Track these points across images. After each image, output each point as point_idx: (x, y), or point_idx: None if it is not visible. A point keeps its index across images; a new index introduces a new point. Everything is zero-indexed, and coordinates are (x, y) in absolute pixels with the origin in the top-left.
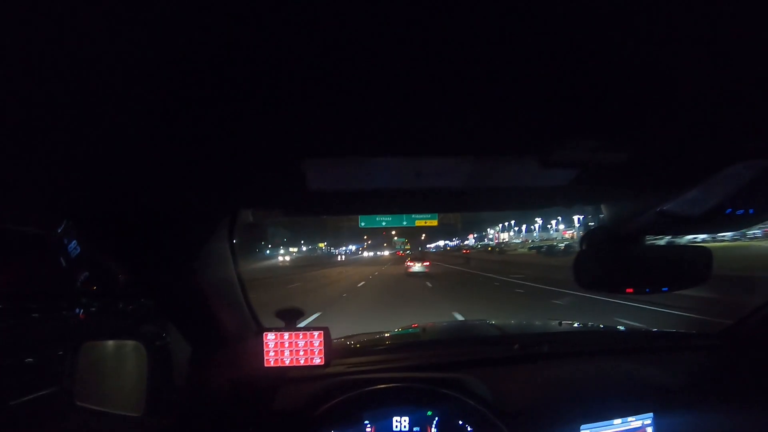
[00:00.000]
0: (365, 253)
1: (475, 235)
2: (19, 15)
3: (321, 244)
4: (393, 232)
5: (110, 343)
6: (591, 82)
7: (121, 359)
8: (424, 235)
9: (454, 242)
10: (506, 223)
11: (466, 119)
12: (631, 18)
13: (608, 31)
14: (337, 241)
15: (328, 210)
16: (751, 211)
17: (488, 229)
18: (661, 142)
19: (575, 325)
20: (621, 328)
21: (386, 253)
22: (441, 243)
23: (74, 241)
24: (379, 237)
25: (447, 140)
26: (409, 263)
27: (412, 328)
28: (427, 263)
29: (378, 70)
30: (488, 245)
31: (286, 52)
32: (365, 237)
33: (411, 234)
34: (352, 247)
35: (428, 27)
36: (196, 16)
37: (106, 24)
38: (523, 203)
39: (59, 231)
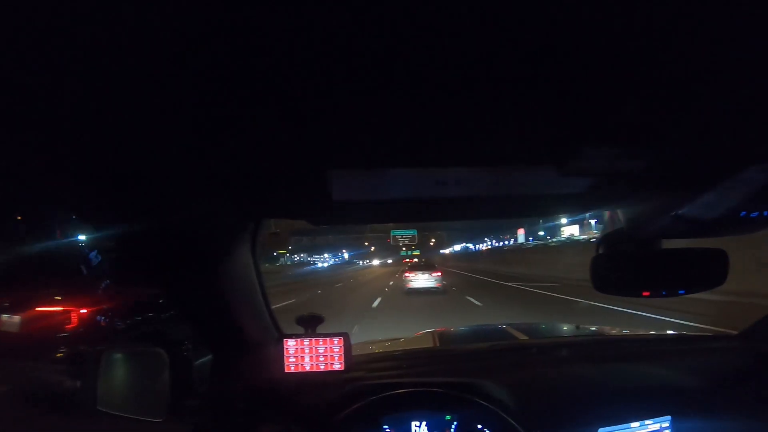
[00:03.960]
0: (360, 262)
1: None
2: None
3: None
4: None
5: (132, 349)
6: (607, 90)
7: (143, 365)
8: (433, 240)
9: (481, 243)
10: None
11: (485, 130)
12: (647, 25)
13: (624, 39)
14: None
15: (351, 219)
16: (765, 213)
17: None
18: (678, 147)
19: (592, 328)
20: (639, 331)
21: (389, 260)
22: (458, 246)
23: (95, 251)
24: (382, 242)
25: (467, 151)
26: (408, 274)
27: (431, 332)
28: (438, 273)
29: (400, 84)
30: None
31: (313, 68)
32: (366, 243)
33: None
34: (346, 255)
35: (450, 43)
36: (228, 33)
37: (139, 37)
38: (540, 210)
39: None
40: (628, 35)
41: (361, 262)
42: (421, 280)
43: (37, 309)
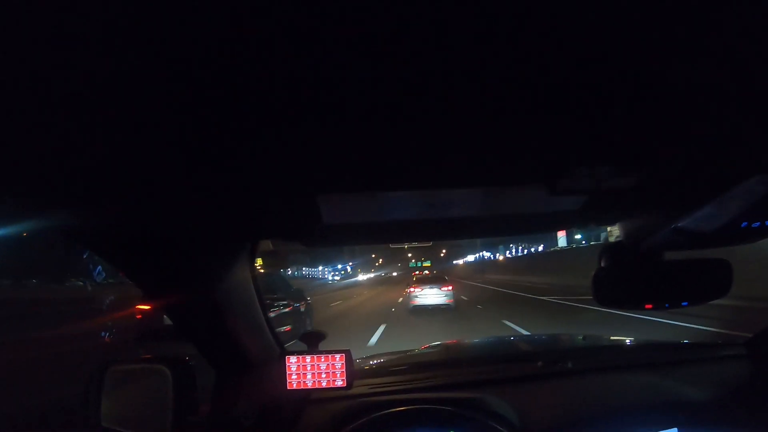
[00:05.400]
0: (363, 276)
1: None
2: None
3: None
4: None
5: (136, 366)
6: (597, 109)
7: (146, 382)
8: (444, 251)
9: (497, 252)
10: None
11: (475, 151)
12: (637, 44)
13: (614, 58)
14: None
15: (344, 241)
16: (767, 223)
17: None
18: (673, 162)
19: (600, 337)
20: (645, 340)
21: (394, 274)
22: (472, 256)
23: (99, 267)
24: (389, 254)
25: (457, 172)
26: (413, 289)
27: (434, 346)
28: (449, 288)
29: (388, 108)
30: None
31: (301, 93)
32: (373, 255)
33: (426, 248)
34: (348, 267)
35: (439, 67)
36: (218, 58)
37: (137, 53)
38: (535, 228)
39: (85, 257)
40: (617, 54)
41: (360, 276)
42: (430, 296)
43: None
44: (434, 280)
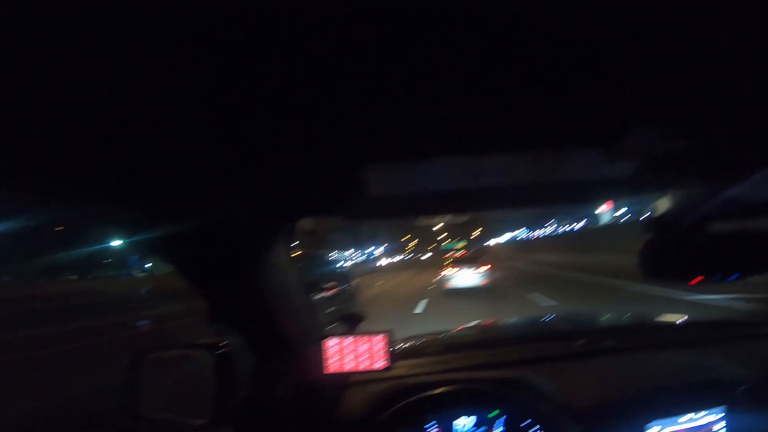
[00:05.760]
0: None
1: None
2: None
3: None
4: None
5: (175, 352)
6: (657, 65)
7: (186, 368)
8: (479, 230)
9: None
10: None
11: (527, 114)
12: None
13: (675, 13)
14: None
15: (388, 214)
16: None
17: None
18: (734, 123)
19: (642, 315)
20: (687, 317)
21: (423, 256)
22: (510, 234)
23: (136, 256)
24: (419, 234)
25: (507, 137)
26: (447, 270)
27: (474, 326)
28: (487, 267)
29: (436, 71)
30: None
31: (347, 60)
32: (403, 239)
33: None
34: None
35: (488, 24)
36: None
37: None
38: (585, 197)
39: (121, 246)
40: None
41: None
42: (465, 277)
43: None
44: (470, 259)
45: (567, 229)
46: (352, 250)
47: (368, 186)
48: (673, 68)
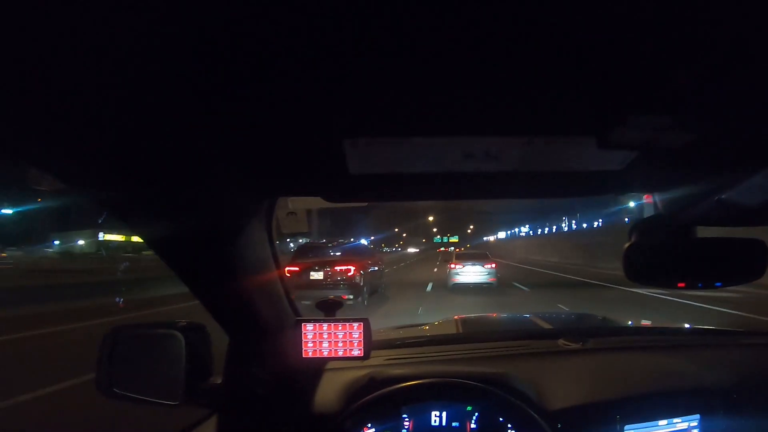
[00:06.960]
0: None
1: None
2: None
3: None
4: (430, 218)
5: (147, 330)
6: (656, 53)
7: (158, 347)
8: (472, 226)
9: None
10: None
11: (520, 96)
12: None
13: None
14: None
15: (368, 195)
16: None
17: None
18: (732, 120)
19: (621, 319)
20: (667, 324)
21: (413, 250)
22: (503, 233)
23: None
24: (411, 228)
25: (498, 118)
26: (453, 266)
27: (454, 320)
28: (492, 265)
29: (422, 40)
30: None
31: (326, 30)
32: (396, 230)
33: (455, 224)
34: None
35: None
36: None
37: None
38: (574, 190)
39: (100, 222)
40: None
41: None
42: (471, 273)
43: (335, 268)
44: (476, 256)
45: (552, 231)
46: (340, 239)
47: (349, 162)
48: (679, 50)
